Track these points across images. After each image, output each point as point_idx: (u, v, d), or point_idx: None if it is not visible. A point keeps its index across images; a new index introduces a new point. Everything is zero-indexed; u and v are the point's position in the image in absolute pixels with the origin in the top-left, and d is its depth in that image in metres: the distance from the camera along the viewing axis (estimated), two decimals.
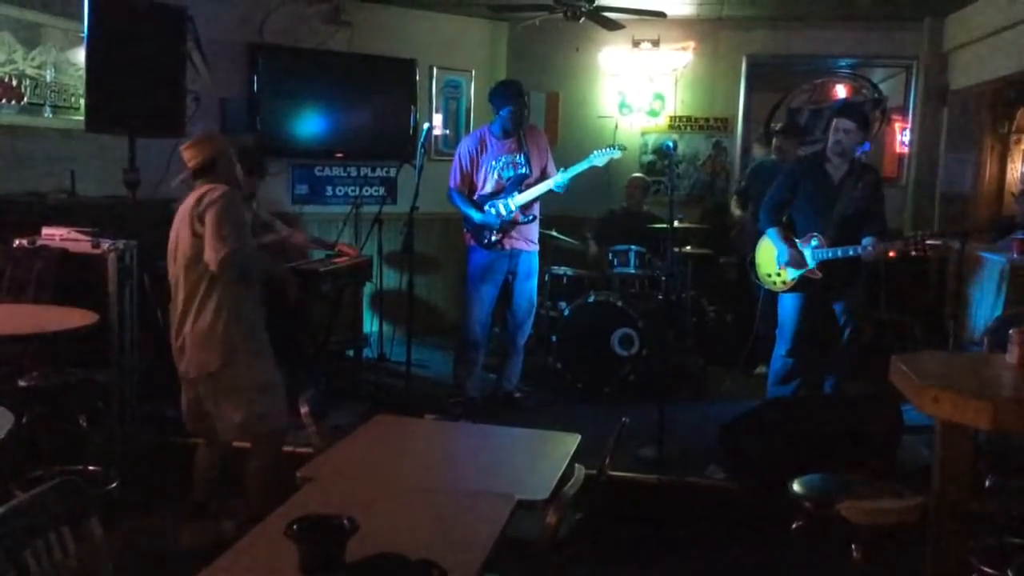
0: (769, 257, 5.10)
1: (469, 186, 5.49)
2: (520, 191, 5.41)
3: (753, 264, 5.30)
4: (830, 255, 4.81)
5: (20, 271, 4.41)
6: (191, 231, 3.46)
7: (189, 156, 3.62)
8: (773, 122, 7.86)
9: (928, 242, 4.67)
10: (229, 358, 3.52)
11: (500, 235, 5.41)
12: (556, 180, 5.36)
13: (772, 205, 5.11)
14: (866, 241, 4.72)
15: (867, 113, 5.30)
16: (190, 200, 3.53)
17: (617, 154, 5.53)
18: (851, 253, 4.75)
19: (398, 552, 1.87)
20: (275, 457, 3.67)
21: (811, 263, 4.88)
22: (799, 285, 4.97)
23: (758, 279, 5.28)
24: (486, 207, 5.40)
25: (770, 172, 5.95)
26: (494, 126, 5.47)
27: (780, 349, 5.16)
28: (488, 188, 5.45)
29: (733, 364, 6.29)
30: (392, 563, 1.84)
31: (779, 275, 5.04)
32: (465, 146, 5.52)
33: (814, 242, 4.87)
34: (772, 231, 5.05)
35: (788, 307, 5.11)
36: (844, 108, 5.38)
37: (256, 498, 3.58)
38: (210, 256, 3.39)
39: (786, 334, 5.11)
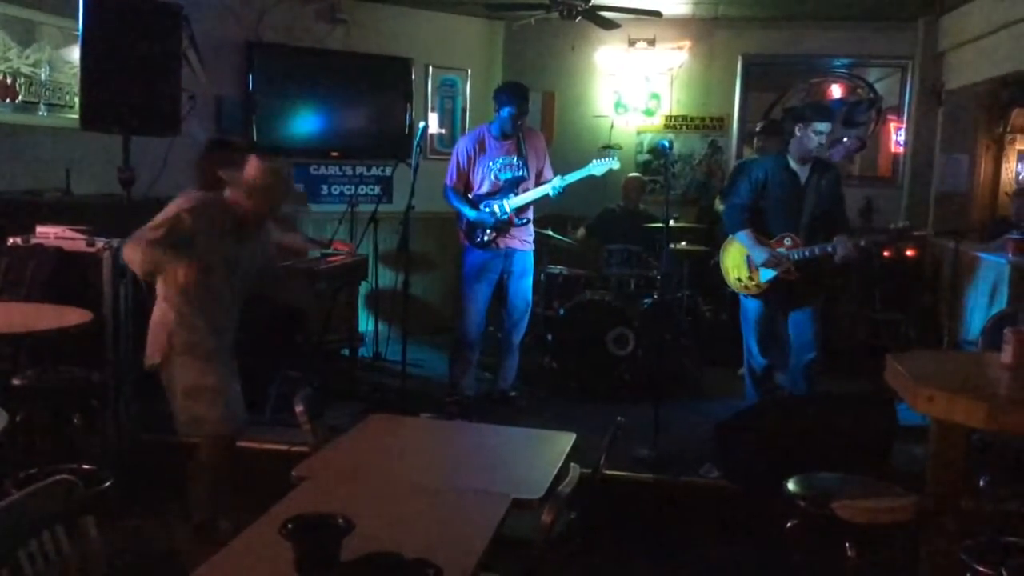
0: (739, 260, 5.10)
1: (465, 185, 5.49)
2: (516, 193, 5.41)
3: (718, 267, 5.30)
4: (807, 254, 4.83)
5: (14, 270, 4.40)
6: None
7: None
8: (758, 121, 7.86)
9: (915, 233, 4.71)
10: (166, 355, 3.57)
11: (493, 234, 5.41)
12: (553, 185, 5.36)
13: (740, 207, 5.06)
14: (838, 239, 4.74)
15: (833, 111, 5.38)
16: None
17: (615, 164, 5.55)
18: (828, 250, 4.78)
19: (393, 551, 1.87)
20: (216, 460, 3.63)
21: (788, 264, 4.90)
22: (772, 289, 4.97)
23: (725, 283, 5.28)
24: (481, 206, 5.40)
25: None
26: (493, 126, 5.47)
27: (752, 349, 5.17)
28: (484, 188, 5.45)
29: (728, 363, 6.29)
30: (387, 562, 1.84)
31: (751, 278, 5.04)
32: (463, 145, 5.52)
33: (787, 242, 4.90)
34: (743, 234, 5.01)
35: (753, 310, 5.13)
36: (813, 109, 5.39)
37: (198, 498, 3.60)
38: None
39: (756, 335, 5.13)
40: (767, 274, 4.94)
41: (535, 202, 5.48)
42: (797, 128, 4.98)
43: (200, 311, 3.60)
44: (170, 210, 3.49)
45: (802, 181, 4.94)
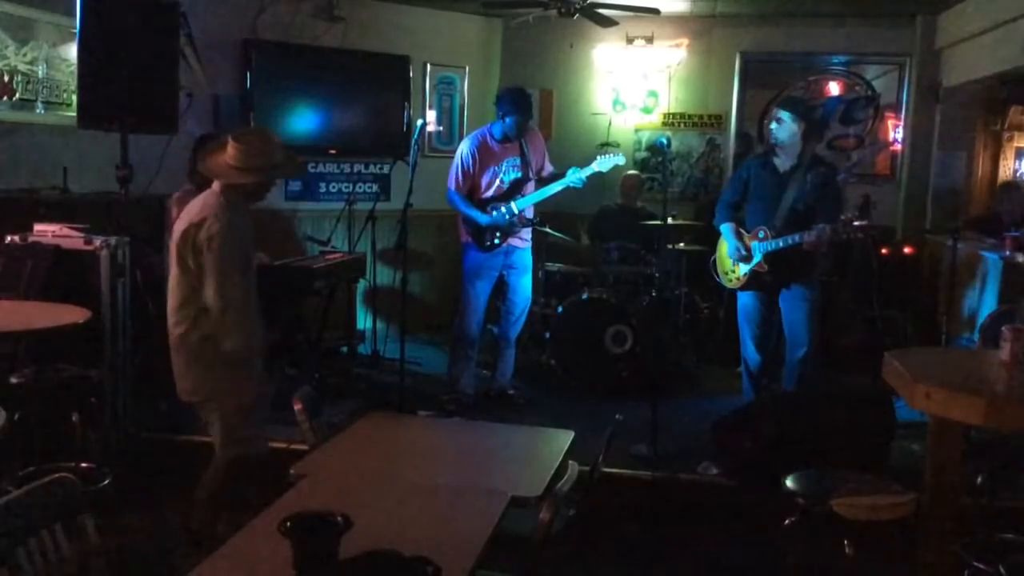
0: (725, 254, 5.13)
1: (469, 189, 5.46)
2: (522, 194, 5.41)
3: (715, 263, 5.32)
4: (773, 246, 4.83)
5: (12, 268, 4.40)
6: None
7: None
8: (767, 119, 7.86)
9: (855, 223, 4.68)
10: (215, 384, 3.43)
11: (504, 237, 5.40)
12: (578, 176, 5.34)
13: (725, 202, 5.15)
14: (814, 227, 4.72)
15: (806, 109, 5.29)
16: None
17: (621, 160, 5.58)
18: (790, 242, 4.77)
19: (392, 549, 1.87)
20: (236, 476, 3.55)
21: (757, 256, 4.90)
22: (751, 282, 4.99)
23: (718, 277, 5.30)
24: (489, 209, 5.39)
25: None
26: (494, 129, 5.43)
27: (748, 345, 5.18)
28: (490, 192, 5.43)
29: (726, 361, 6.30)
30: (386, 560, 1.84)
31: (733, 271, 5.07)
32: (467, 149, 5.44)
33: (760, 235, 4.90)
34: (726, 227, 5.08)
35: (748, 305, 5.14)
36: (785, 99, 5.39)
37: (201, 505, 3.53)
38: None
39: (751, 331, 5.14)
40: (744, 267, 4.97)
41: (548, 199, 5.48)
42: (766, 120, 5.01)
43: (249, 317, 3.47)
44: (218, 237, 3.26)
45: (782, 177, 4.94)
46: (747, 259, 4.92)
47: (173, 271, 3.41)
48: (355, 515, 1.88)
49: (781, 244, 4.80)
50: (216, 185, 3.39)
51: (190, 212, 3.39)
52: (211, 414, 3.48)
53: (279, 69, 6.80)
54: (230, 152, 3.34)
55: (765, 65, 7.92)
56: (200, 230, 3.27)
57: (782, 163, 4.95)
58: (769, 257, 4.87)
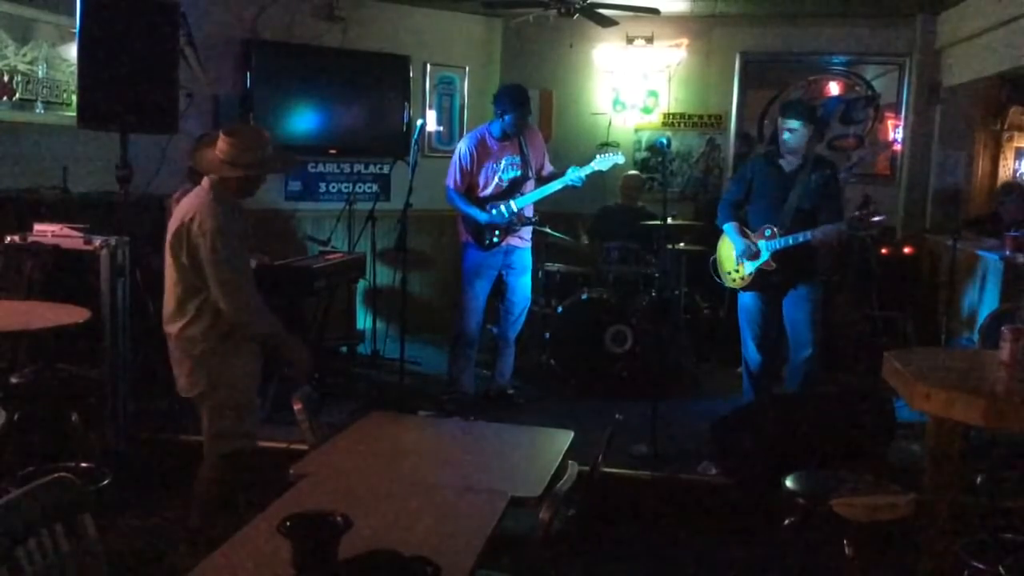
0: (729, 254, 5.14)
1: (468, 187, 5.46)
2: (522, 193, 5.41)
3: (715, 264, 5.32)
4: (781, 244, 4.85)
5: (12, 268, 4.40)
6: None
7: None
8: (767, 119, 7.87)
9: (873, 219, 4.70)
10: (216, 375, 3.43)
11: (503, 235, 5.40)
12: (577, 175, 5.34)
13: (728, 202, 5.17)
14: (820, 227, 4.74)
15: (810, 110, 5.27)
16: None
17: (620, 159, 5.58)
18: (800, 240, 4.78)
19: (391, 549, 1.87)
20: (227, 471, 3.52)
21: (765, 254, 4.90)
22: (756, 282, 4.99)
23: (719, 278, 5.30)
24: (488, 207, 5.39)
25: None
26: (493, 127, 5.43)
27: (749, 345, 5.18)
28: (489, 190, 5.43)
29: (726, 361, 6.30)
30: (385, 560, 1.84)
31: (737, 271, 5.07)
32: (465, 147, 5.45)
33: (767, 233, 4.91)
34: (729, 226, 5.10)
35: (749, 305, 5.14)
36: (787, 106, 5.40)
37: (201, 505, 3.51)
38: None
39: (752, 331, 5.14)
40: (750, 266, 4.97)
41: (547, 197, 5.48)
42: (779, 124, 5.02)
43: (261, 305, 3.51)
44: (211, 235, 3.25)
45: (788, 177, 4.95)
46: (755, 256, 4.93)
47: (169, 270, 3.42)
48: (355, 515, 1.88)
49: (791, 241, 4.82)
50: (206, 182, 3.40)
51: (181, 210, 3.40)
52: (207, 409, 3.48)
53: (279, 69, 6.80)
54: (220, 146, 3.36)
55: (765, 65, 7.92)
56: (192, 226, 3.29)
57: (788, 163, 4.96)
58: (777, 255, 4.88)
